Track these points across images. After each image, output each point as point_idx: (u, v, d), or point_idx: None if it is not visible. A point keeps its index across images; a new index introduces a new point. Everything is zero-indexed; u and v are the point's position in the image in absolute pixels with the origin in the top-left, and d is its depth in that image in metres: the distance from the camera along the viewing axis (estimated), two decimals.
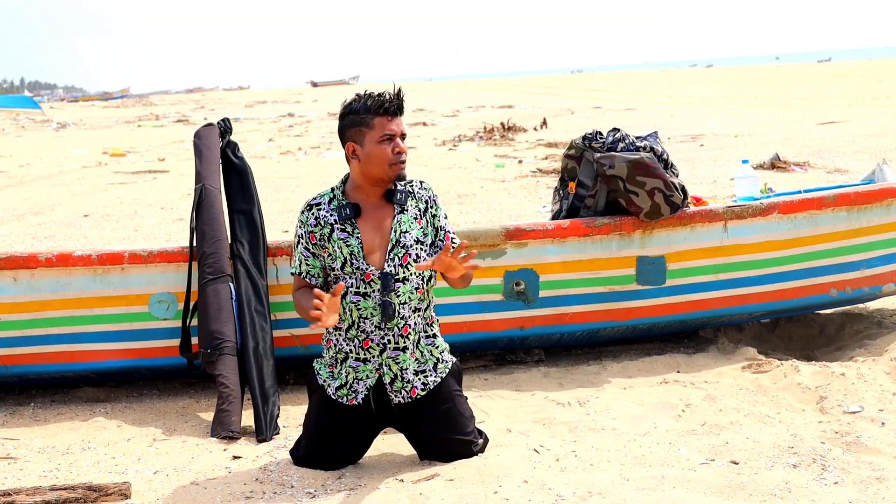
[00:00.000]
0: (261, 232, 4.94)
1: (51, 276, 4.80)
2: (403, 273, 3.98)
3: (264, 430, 4.41)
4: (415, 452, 4.13)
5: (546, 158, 15.84)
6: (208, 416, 4.70)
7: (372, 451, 4.16)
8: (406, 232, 3.99)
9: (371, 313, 3.97)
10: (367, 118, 3.94)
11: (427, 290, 4.07)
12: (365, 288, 3.96)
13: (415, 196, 4.05)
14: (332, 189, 4.07)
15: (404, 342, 4.01)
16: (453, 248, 4.04)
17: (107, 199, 13.56)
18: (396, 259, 3.97)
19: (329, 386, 4.07)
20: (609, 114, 28.04)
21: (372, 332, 3.98)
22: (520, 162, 15.74)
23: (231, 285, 4.77)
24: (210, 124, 5.14)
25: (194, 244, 4.84)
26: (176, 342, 4.86)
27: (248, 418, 4.58)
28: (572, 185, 5.22)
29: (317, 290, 3.73)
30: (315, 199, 4.06)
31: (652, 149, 5.07)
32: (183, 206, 12.05)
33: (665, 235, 5.10)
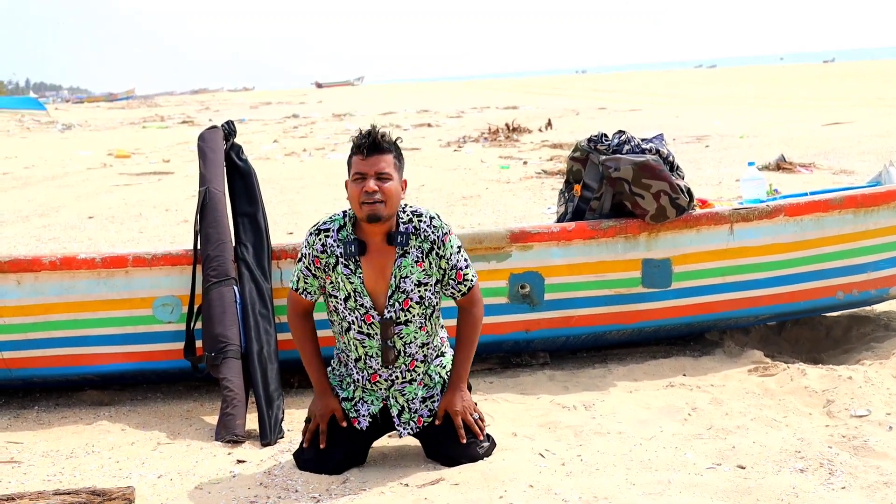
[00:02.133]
0: (265, 235, 4.93)
1: (55, 279, 4.79)
2: (405, 316, 3.98)
3: (269, 433, 4.40)
4: (420, 455, 4.11)
5: (551, 160, 15.81)
6: (213, 419, 4.69)
7: (377, 455, 4.15)
8: (406, 277, 3.94)
9: (376, 353, 4.00)
10: (350, 156, 3.92)
11: (432, 324, 4.06)
12: (367, 329, 3.98)
13: (420, 235, 3.95)
14: (344, 215, 4.00)
15: (412, 375, 4.06)
16: (468, 285, 4.04)
17: (111, 201, 13.55)
18: (397, 304, 3.95)
19: (336, 395, 4.12)
20: (614, 114, 27.99)
21: (378, 368, 4.03)
22: (525, 163, 15.71)
23: (235, 288, 4.75)
24: (214, 127, 5.13)
25: (198, 247, 4.83)
26: (180, 346, 4.85)
27: (252, 422, 4.57)
28: (577, 187, 5.20)
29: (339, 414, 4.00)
30: (325, 223, 4.00)
31: (657, 151, 5.05)
32: (188, 208, 12.03)
33: (671, 238, 5.08)
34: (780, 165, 13.05)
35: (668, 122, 22.77)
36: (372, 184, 3.81)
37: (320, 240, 3.97)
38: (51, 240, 10.36)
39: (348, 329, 4.01)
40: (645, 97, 39.80)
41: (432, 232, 3.96)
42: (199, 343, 4.81)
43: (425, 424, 4.06)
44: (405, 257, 3.94)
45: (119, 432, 4.60)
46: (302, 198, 12.90)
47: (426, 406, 4.08)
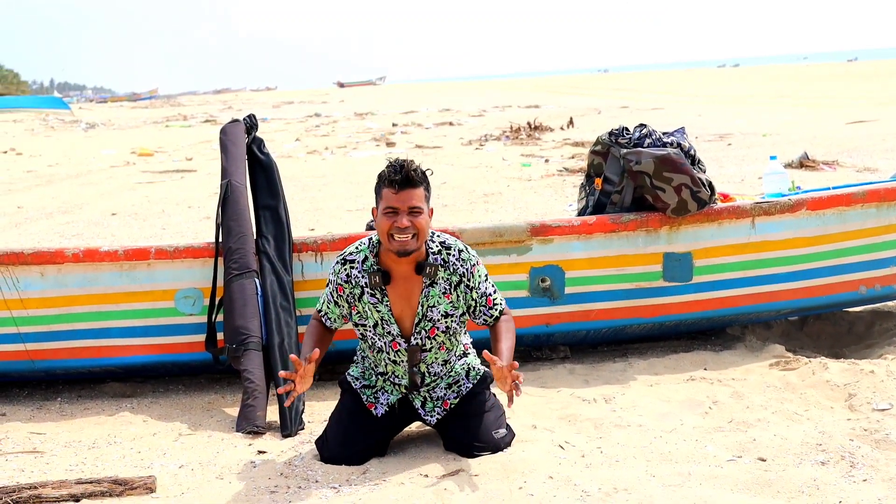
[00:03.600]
0: (286, 228, 4.95)
1: (78, 271, 4.83)
2: (430, 344, 4.04)
3: (289, 425, 4.41)
4: (440, 447, 4.12)
5: (573, 157, 15.79)
6: (234, 411, 4.71)
7: (396, 447, 4.16)
8: (433, 307, 3.99)
9: (402, 375, 4.08)
10: (380, 187, 3.89)
11: (453, 342, 4.11)
12: (394, 356, 4.05)
13: (449, 268, 3.97)
14: (369, 244, 4.01)
15: (435, 383, 4.14)
16: (498, 309, 4.06)
17: (134, 198, 13.63)
18: (423, 332, 4.01)
19: (356, 383, 4.17)
20: (636, 113, 27.90)
21: (406, 388, 4.12)
22: (546, 161, 15.69)
23: (256, 281, 4.77)
24: (236, 121, 5.15)
25: (220, 240, 4.85)
26: (202, 338, 4.87)
27: (273, 414, 4.58)
28: (598, 181, 5.19)
29: (293, 357, 3.79)
30: (350, 254, 4.02)
31: (679, 144, 5.04)
32: (210, 205, 12.07)
33: (692, 231, 5.06)
34: (804, 163, 12.98)
35: (691, 121, 22.69)
36: (405, 220, 3.82)
37: (345, 270, 4.01)
38: (74, 236, 10.42)
39: (379, 351, 4.09)
40: (667, 96, 39.69)
41: (461, 265, 3.99)
42: (220, 335, 4.84)
43: (451, 407, 4.10)
44: (433, 287, 3.98)
45: (141, 423, 4.63)
46: (324, 195, 12.93)
47: (452, 391, 4.13)
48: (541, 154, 16.98)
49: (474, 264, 4.01)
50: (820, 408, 4.42)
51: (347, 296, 4.02)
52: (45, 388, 5.21)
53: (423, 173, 3.89)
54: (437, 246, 3.99)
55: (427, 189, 3.91)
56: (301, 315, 4.88)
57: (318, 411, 4.64)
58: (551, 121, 24.57)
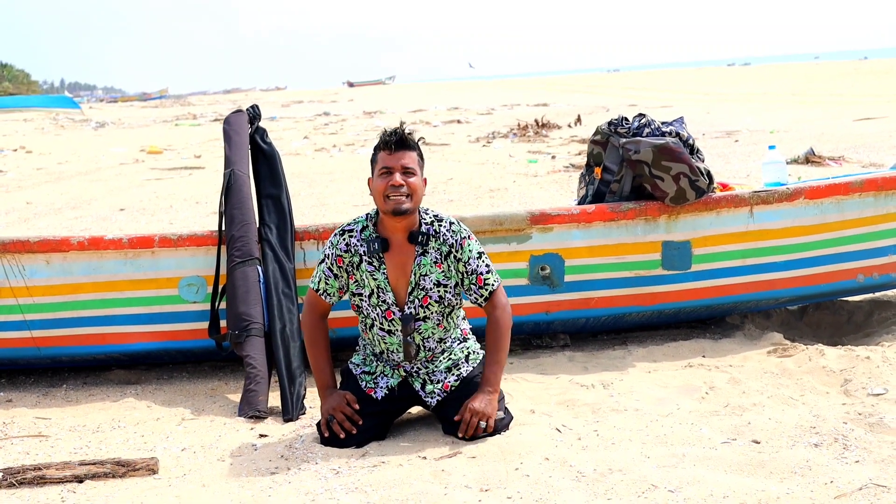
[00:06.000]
0: (289, 216, 5.00)
1: (83, 259, 4.89)
2: (424, 313, 4.10)
3: (291, 410, 4.47)
4: (439, 431, 4.18)
5: (579, 154, 15.82)
6: (236, 397, 4.77)
7: (396, 430, 4.21)
8: (425, 275, 4.08)
9: (396, 348, 4.14)
10: (376, 152, 4.05)
11: (450, 321, 4.18)
12: (388, 325, 4.11)
13: (440, 238, 4.08)
14: (367, 217, 4.14)
15: (433, 366, 4.19)
16: (489, 289, 4.12)
17: (143, 194, 13.71)
18: (417, 301, 4.08)
19: (356, 369, 4.25)
20: (644, 111, 27.83)
21: (401, 361, 4.17)
22: (553, 157, 15.73)
23: (259, 268, 4.83)
24: (239, 110, 5.21)
25: (223, 228, 4.91)
26: (205, 325, 4.93)
27: (275, 399, 4.64)
28: (598, 170, 5.24)
29: (349, 395, 4.10)
30: (349, 225, 4.14)
31: (678, 134, 5.08)
32: (217, 201, 12.14)
33: (691, 220, 5.11)
34: (809, 159, 13.00)
35: (699, 118, 22.71)
36: (398, 177, 3.96)
37: (344, 240, 4.11)
38: (82, 230, 10.50)
39: (371, 326, 4.16)
40: (677, 94, 39.65)
41: (451, 236, 4.09)
42: (223, 322, 4.90)
43: (452, 389, 4.17)
44: (424, 256, 4.08)
45: (145, 409, 4.69)
46: (330, 191, 12.99)
47: (452, 374, 4.20)
48: (548, 151, 17.02)
49: (465, 237, 4.10)
50: (815, 393, 4.46)
51: (347, 265, 4.10)
52: (51, 375, 5.28)
53: (417, 140, 4.07)
54: (430, 218, 4.12)
55: (420, 156, 4.07)
56: (303, 303, 4.93)
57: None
58: (559, 118, 24.62)
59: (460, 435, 3.99)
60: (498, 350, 4.11)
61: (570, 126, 22.47)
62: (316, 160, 17.89)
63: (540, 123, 22.10)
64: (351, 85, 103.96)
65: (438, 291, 4.09)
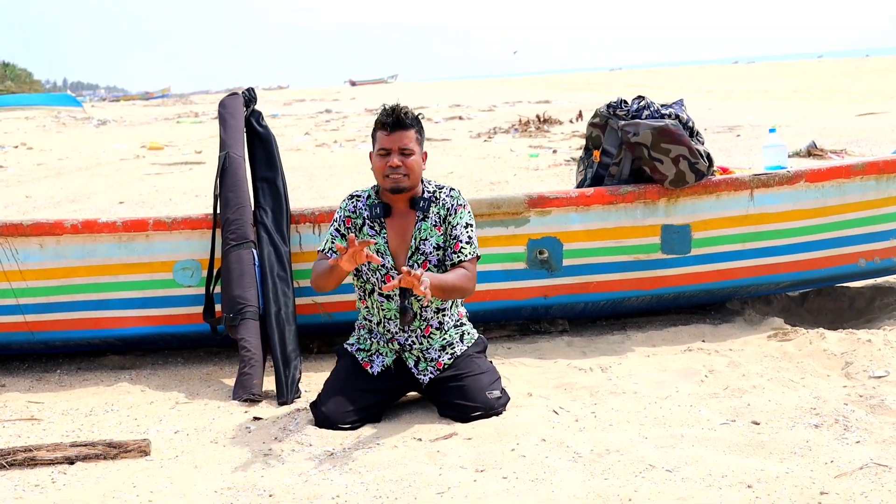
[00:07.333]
0: (284, 200, 4.95)
1: (76, 242, 4.84)
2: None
3: (285, 393, 4.43)
4: (434, 414, 4.14)
5: (580, 148, 15.74)
6: (231, 381, 4.72)
7: (391, 413, 4.17)
8: (425, 239, 4.13)
9: (394, 315, 4.15)
10: (375, 131, 4.13)
11: None
12: (387, 291, 4.08)
13: (439, 202, 4.16)
14: (372, 187, 4.24)
15: (428, 342, 4.17)
16: (459, 257, 4.10)
17: (142, 188, 13.67)
18: (416, 265, 4.11)
19: (350, 347, 4.24)
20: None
21: (396, 332, 4.16)
22: (554, 152, 15.68)
23: (254, 251, 4.78)
24: (234, 94, 5.16)
25: (218, 211, 4.86)
26: (200, 309, 4.88)
27: (269, 383, 4.60)
28: (597, 153, 5.19)
29: (351, 236, 3.79)
30: (357, 191, 4.26)
31: (677, 116, 5.03)
32: None
33: (690, 204, 5.05)
34: (811, 152, 12.94)
35: (701, 115, 22.59)
36: (396, 159, 4.04)
37: (353, 203, 4.21)
38: None
39: (371, 292, 4.18)
40: (679, 92, 39.56)
41: (449, 200, 4.17)
42: (218, 307, 4.85)
43: (445, 367, 4.14)
44: (425, 220, 4.13)
45: (138, 393, 4.65)
46: (330, 185, 12.94)
47: (446, 353, 4.18)
48: (549, 145, 16.96)
49: (461, 205, 4.17)
50: (816, 375, 4.41)
51: (352, 226, 4.17)
52: (45, 360, 5.23)
53: (416, 117, 4.12)
54: (432, 187, 4.20)
55: (419, 133, 4.12)
56: (298, 287, 4.89)
57: (316, 381, 4.63)
58: (561, 115, 24.54)
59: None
60: (449, 275, 4.00)
61: (571, 121, 22.41)
62: (317, 155, 17.84)
63: (541, 119, 22.04)
64: (353, 84, 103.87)
65: (437, 255, 4.12)
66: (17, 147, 22.68)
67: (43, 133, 29.65)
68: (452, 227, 4.14)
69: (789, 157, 7.32)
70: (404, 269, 3.72)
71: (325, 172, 14.57)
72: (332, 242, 4.18)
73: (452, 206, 4.16)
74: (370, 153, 4.17)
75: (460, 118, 27.78)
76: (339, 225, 4.21)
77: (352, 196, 4.24)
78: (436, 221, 4.15)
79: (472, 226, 4.18)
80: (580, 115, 23.13)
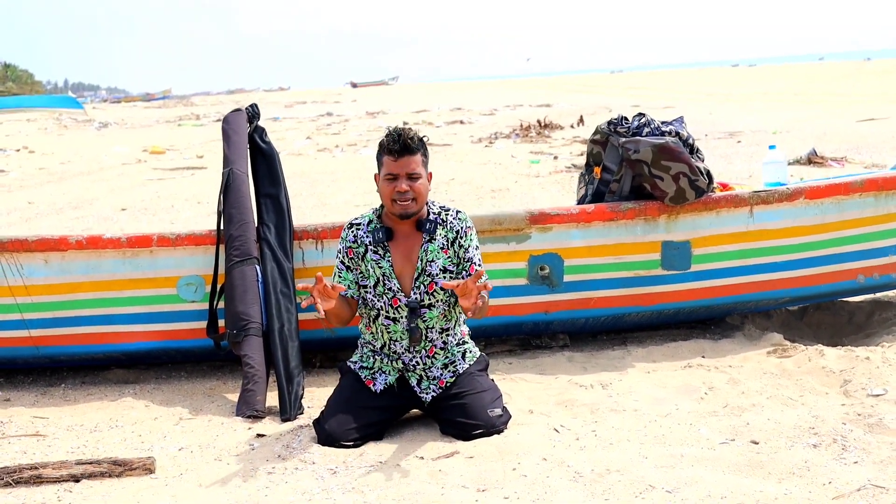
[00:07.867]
0: (287, 216, 4.99)
1: (81, 258, 4.88)
2: (429, 300, 4.14)
3: (288, 409, 4.46)
4: (436, 432, 4.17)
5: (581, 154, 15.79)
6: (235, 397, 4.76)
7: (393, 431, 4.20)
8: (432, 261, 4.15)
9: (400, 336, 4.17)
10: (381, 155, 4.13)
11: (453, 313, 4.22)
12: (394, 313, 4.15)
13: (446, 225, 4.18)
14: (373, 211, 4.25)
15: (431, 362, 4.21)
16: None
17: (144, 194, 13.71)
18: (422, 287, 4.14)
19: (353, 365, 4.27)
20: (647, 111, 27.76)
21: (402, 353, 4.20)
22: (555, 158, 15.73)
23: (257, 268, 4.82)
24: (238, 110, 5.20)
25: (221, 227, 4.90)
26: (203, 324, 4.91)
27: (273, 399, 4.63)
28: (597, 169, 5.23)
29: (318, 274, 3.88)
30: (356, 219, 4.26)
31: (677, 133, 5.07)
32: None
33: (690, 220, 5.09)
34: (812, 159, 12.98)
35: (702, 119, 22.69)
36: (404, 185, 4.06)
37: (352, 232, 4.21)
38: (83, 230, 10.49)
39: (377, 317, 4.20)
40: (680, 95, 39.62)
41: (458, 223, 4.19)
42: (221, 322, 4.89)
43: (447, 385, 4.17)
44: (432, 242, 4.15)
45: (142, 408, 4.68)
46: (332, 191, 12.98)
47: (448, 371, 4.22)
48: (550, 151, 17.01)
49: (469, 226, 4.21)
50: (815, 393, 4.44)
51: (355, 255, 4.19)
52: (50, 374, 5.27)
53: (420, 140, 4.13)
54: (437, 208, 4.23)
55: (424, 154, 4.14)
56: (300, 302, 4.91)
57: (318, 397, 4.68)
58: (562, 119, 24.61)
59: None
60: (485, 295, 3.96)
61: (572, 126, 22.46)
62: (318, 160, 17.88)
63: (542, 124, 22.09)
64: (354, 86, 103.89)
65: (443, 278, 4.15)
66: (18, 150, 22.73)
67: (45, 136, 29.74)
68: (465, 249, 4.17)
69: (789, 164, 7.36)
70: (483, 279, 3.77)
71: (327, 178, 14.61)
72: (339, 276, 4.22)
73: (462, 228, 4.19)
74: (375, 175, 4.18)
75: (461, 122, 27.83)
76: (343, 257, 4.23)
77: (351, 225, 4.25)
78: (443, 244, 4.17)
79: (479, 246, 4.26)
80: (581, 120, 23.19)
